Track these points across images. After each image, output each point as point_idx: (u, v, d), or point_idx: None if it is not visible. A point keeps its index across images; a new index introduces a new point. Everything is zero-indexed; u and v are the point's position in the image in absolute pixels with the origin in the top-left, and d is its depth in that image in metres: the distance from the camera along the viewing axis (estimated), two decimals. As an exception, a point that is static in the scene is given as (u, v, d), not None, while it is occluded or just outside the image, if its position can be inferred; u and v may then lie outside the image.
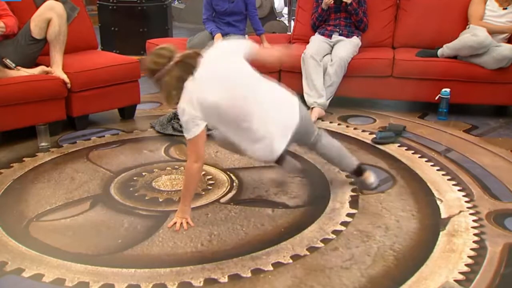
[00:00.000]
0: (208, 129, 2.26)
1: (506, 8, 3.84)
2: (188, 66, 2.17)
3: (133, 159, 3.09)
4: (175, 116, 3.62)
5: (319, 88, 3.85)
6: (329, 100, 3.90)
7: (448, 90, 3.78)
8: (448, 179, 2.83)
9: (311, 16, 4.26)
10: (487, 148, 3.29)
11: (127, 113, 3.84)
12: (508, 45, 3.72)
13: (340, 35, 4.09)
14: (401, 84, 3.94)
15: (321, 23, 4.18)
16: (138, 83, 3.79)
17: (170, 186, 2.72)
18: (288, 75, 4.10)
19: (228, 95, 2.16)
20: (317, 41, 4.07)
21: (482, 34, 3.69)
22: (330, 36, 4.11)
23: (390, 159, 3.10)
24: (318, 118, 3.79)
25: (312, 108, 3.83)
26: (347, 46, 3.99)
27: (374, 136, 3.43)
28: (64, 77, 3.34)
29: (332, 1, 3.98)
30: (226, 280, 1.95)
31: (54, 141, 3.33)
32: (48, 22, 3.27)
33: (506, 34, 3.87)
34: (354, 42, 4.06)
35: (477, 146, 3.33)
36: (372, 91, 4.05)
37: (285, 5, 7.42)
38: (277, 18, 6.91)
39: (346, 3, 3.99)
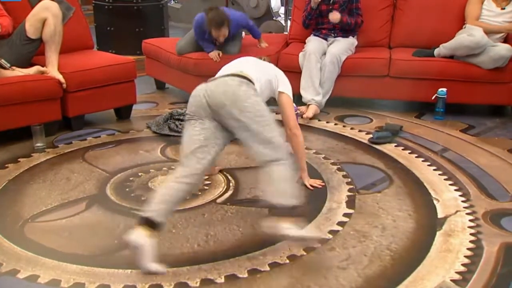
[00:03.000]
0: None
1: (504, 8, 3.85)
2: None
3: (129, 160, 3.07)
4: (172, 116, 3.62)
5: (317, 85, 3.86)
6: (325, 99, 3.91)
7: (444, 89, 3.78)
8: (445, 179, 2.83)
9: (302, 13, 4.25)
10: (483, 148, 3.29)
11: (123, 113, 3.82)
12: (505, 45, 3.72)
13: (335, 37, 4.10)
14: (398, 84, 3.94)
15: (311, 21, 4.16)
16: (134, 83, 3.78)
17: (167, 187, 2.71)
18: (285, 74, 4.09)
19: None
20: (315, 41, 4.08)
21: (478, 34, 3.69)
22: (325, 39, 4.12)
23: (387, 159, 3.10)
24: (311, 118, 3.78)
25: (309, 105, 3.84)
26: (340, 44, 4.00)
27: (371, 136, 3.43)
28: (60, 77, 3.32)
29: None
30: (222, 280, 1.94)
31: (49, 142, 3.31)
32: (44, 22, 3.26)
33: (503, 34, 3.88)
34: (349, 41, 4.07)
35: (473, 146, 3.33)
36: (368, 91, 4.05)
37: (282, 5, 7.41)
38: (274, 18, 6.90)
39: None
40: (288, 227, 2.00)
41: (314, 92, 3.86)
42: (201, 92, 2.21)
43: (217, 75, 2.36)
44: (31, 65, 3.36)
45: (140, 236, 1.94)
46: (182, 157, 2.16)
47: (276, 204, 2.07)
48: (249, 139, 2.14)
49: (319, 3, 3.99)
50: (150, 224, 1.97)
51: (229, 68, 2.43)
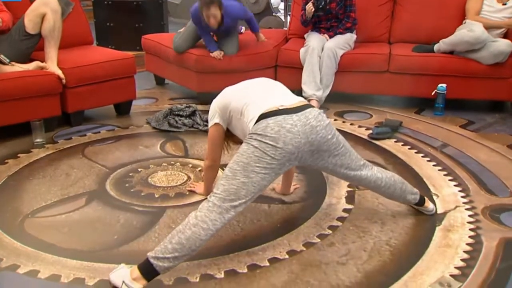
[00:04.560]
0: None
1: (505, 4, 3.84)
2: None
3: (129, 155, 3.07)
4: (171, 112, 3.62)
5: (318, 80, 3.87)
6: (325, 94, 3.91)
7: (444, 85, 3.78)
8: (444, 175, 2.83)
9: (301, 11, 4.23)
10: (483, 143, 3.29)
11: (122, 109, 3.82)
12: (505, 40, 3.72)
13: (334, 35, 4.09)
14: (398, 80, 3.94)
15: (308, 26, 4.18)
16: (133, 79, 3.77)
17: (166, 182, 2.71)
18: (284, 70, 4.11)
19: None
20: (316, 36, 4.07)
21: (479, 29, 3.69)
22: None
23: (387, 155, 3.10)
24: None
25: (310, 100, 3.84)
26: (338, 38, 4.01)
27: (370, 131, 3.43)
28: (59, 72, 3.31)
29: (313, 9, 3.96)
30: (222, 275, 1.94)
31: (49, 137, 3.31)
32: (43, 17, 3.25)
33: (503, 29, 3.87)
34: (346, 37, 4.06)
35: (473, 142, 3.33)
36: (368, 87, 4.05)
37: (281, 1, 7.40)
38: (273, 14, 6.89)
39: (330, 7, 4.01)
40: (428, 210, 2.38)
41: (315, 87, 3.87)
42: (295, 129, 1.89)
43: (270, 107, 1.94)
44: (31, 60, 3.35)
45: (137, 286, 1.78)
46: (227, 199, 1.84)
47: (410, 201, 2.33)
48: (351, 163, 2.09)
49: (314, 10, 3.99)
50: (152, 274, 1.80)
51: (282, 96, 2.07)
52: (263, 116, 1.91)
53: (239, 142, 2.28)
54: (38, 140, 3.20)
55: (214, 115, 2.22)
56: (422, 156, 3.08)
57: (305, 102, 2.04)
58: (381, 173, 2.21)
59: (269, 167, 1.87)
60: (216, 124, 2.22)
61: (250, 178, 1.86)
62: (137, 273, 1.80)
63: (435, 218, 2.36)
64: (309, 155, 1.97)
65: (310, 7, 3.96)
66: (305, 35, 4.21)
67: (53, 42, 3.31)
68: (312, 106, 2.03)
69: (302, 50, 3.99)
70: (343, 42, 4.00)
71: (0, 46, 3.24)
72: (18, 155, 3.05)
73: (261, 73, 4.08)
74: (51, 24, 3.26)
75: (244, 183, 1.85)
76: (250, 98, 2.06)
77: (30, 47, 3.35)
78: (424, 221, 2.35)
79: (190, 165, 2.93)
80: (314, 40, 3.98)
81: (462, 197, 2.57)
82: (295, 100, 2.03)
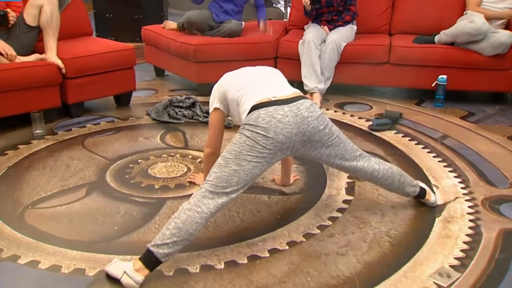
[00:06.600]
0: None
1: (506, -6, 3.83)
2: None
3: (129, 147, 3.08)
4: (171, 103, 3.61)
5: (319, 73, 3.85)
6: (327, 86, 3.90)
7: (444, 76, 3.77)
8: (444, 166, 2.83)
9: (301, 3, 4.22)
10: (483, 134, 3.29)
11: (122, 100, 3.82)
12: (506, 31, 3.71)
13: (334, 28, 4.07)
14: (398, 71, 3.93)
15: (311, 17, 4.16)
16: (133, 70, 3.76)
17: (166, 173, 2.71)
18: (284, 61, 4.09)
19: None
20: (314, 28, 4.06)
21: (480, 20, 3.67)
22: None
23: (387, 146, 3.10)
24: None
25: (312, 93, 3.83)
26: (340, 31, 3.99)
27: (370, 123, 3.43)
28: (59, 62, 3.31)
29: (308, 1, 3.94)
30: (222, 266, 1.95)
31: (49, 129, 3.31)
32: (40, 9, 3.26)
33: (504, 20, 3.86)
34: (348, 28, 4.05)
35: (473, 133, 3.33)
36: (368, 78, 4.04)
37: (282, -8, 7.38)
38: (274, 5, 6.87)
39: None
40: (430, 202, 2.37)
41: (317, 80, 3.86)
42: (286, 119, 1.90)
43: (263, 98, 1.96)
44: (32, 53, 3.35)
45: (138, 277, 1.80)
46: (219, 186, 1.88)
47: (409, 194, 2.32)
48: (345, 153, 2.09)
49: (310, 3, 3.97)
50: (154, 263, 1.81)
51: (277, 88, 2.07)
52: (255, 107, 1.95)
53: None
54: (38, 131, 3.20)
55: (214, 100, 2.25)
56: (422, 148, 3.08)
57: (299, 93, 2.05)
58: (378, 165, 2.21)
59: (260, 155, 1.90)
60: (216, 109, 2.25)
61: (241, 166, 1.89)
62: (139, 264, 1.81)
63: (435, 209, 2.37)
64: (301, 145, 1.99)
65: (305, 0, 3.95)
66: (305, 27, 4.19)
67: (52, 32, 3.31)
68: (305, 98, 2.04)
69: (300, 43, 3.97)
70: (347, 34, 3.98)
71: (5, 41, 3.24)
72: (18, 146, 3.05)
73: (261, 64, 4.03)
74: (48, 14, 3.26)
75: (236, 171, 1.88)
76: (245, 89, 2.08)
77: (33, 39, 3.37)
78: (424, 212, 2.35)
79: (190, 157, 2.93)
80: (311, 33, 3.96)
81: (462, 188, 2.58)
82: (289, 92, 2.04)
